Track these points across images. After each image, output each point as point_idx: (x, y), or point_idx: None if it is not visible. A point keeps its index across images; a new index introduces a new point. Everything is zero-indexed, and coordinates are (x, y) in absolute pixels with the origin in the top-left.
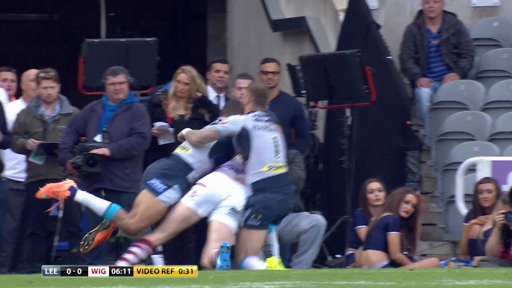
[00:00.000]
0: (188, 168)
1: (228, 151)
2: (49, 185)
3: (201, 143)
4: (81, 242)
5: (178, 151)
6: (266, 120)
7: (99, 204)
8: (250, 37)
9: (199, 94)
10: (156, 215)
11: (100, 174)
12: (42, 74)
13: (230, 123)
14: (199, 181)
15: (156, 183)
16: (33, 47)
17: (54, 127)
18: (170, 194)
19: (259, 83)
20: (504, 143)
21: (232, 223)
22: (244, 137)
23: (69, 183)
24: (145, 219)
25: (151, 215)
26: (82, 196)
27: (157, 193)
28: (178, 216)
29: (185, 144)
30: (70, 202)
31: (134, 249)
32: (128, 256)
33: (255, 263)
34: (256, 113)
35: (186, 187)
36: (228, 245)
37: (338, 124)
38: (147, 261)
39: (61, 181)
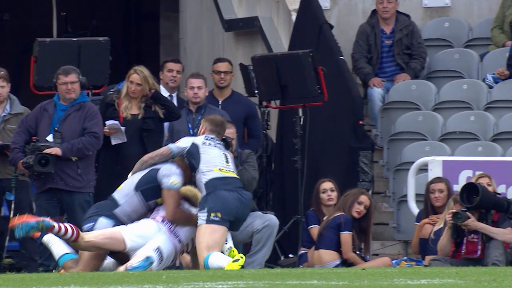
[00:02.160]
0: (114, 203)
1: (154, 184)
2: (24, 217)
3: (153, 159)
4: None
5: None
6: (217, 143)
7: (57, 249)
8: (202, 36)
9: (152, 91)
10: (97, 253)
11: (52, 174)
12: None
13: (182, 141)
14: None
15: (86, 226)
16: None
17: (4, 127)
18: (97, 225)
19: (217, 115)
20: (455, 143)
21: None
22: (193, 150)
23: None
24: (88, 262)
25: (93, 255)
26: (48, 238)
27: (87, 231)
28: (108, 233)
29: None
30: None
31: (67, 225)
32: (57, 224)
33: (220, 258)
34: (209, 135)
35: (117, 221)
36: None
37: (290, 124)
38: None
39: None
